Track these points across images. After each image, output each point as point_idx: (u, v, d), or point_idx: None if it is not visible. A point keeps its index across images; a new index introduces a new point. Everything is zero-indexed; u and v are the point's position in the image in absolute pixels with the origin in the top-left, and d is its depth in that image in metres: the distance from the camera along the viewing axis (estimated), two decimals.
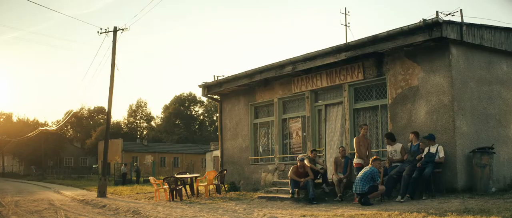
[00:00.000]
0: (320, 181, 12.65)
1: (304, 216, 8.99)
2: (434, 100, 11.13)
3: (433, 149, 10.58)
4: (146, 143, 65.22)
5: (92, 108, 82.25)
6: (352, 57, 12.52)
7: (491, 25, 11.80)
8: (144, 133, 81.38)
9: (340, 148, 12.67)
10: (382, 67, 12.35)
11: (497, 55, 12.09)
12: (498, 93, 11.90)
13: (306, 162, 12.47)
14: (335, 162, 12.52)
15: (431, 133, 10.75)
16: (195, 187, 15.96)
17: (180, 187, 15.03)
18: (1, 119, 74.66)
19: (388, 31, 11.46)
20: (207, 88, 18.10)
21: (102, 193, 18.97)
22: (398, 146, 11.32)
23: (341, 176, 12.10)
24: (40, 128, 50.52)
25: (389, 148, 11.48)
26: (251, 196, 14.11)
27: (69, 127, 77.21)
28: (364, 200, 10.23)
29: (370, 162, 10.74)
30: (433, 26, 10.50)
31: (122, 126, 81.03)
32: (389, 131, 11.90)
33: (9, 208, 14.62)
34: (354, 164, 11.81)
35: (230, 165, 17.55)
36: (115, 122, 77.50)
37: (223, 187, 16.12)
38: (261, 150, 16.73)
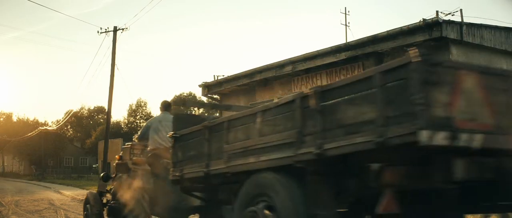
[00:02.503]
0: None
1: None
2: None
3: None
4: None
5: (92, 108, 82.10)
6: (352, 57, 12.52)
7: (491, 25, 11.82)
8: None
9: None
10: None
11: (497, 55, 12.09)
12: None
13: None
14: None
15: None
16: None
17: None
18: (1, 119, 74.59)
19: (388, 31, 11.47)
20: (207, 88, 18.09)
21: None
22: None
23: None
24: (40, 128, 50.53)
25: None
26: None
27: (69, 127, 77.07)
28: None
29: None
30: (433, 26, 10.51)
31: (122, 126, 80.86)
32: None
33: (9, 207, 14.61)
34: None
35: None
36: (115, 121, 77.31)
37: None
38: None
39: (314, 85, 14.21)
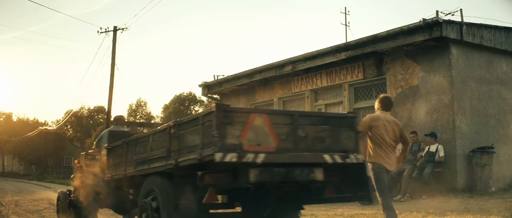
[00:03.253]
0: None
1: (304, 216, 8.99)
2: (434, 100, 11.13)
3: (433, 148, 10.59)
4: None
5: (92, 107, 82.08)
6: (352, 56, 12.52)
7: (491, 25, 11.82)
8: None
9: None
10: (382, 67, 12.35)
11: (497, 55, 12.09)
12: (498, 93, 11.90)
13: None
14: None
15: (433, 131, 10.78)
16: None
17: None
18: (1, 119, 74.57)
19: (388, 30, 11.47)
20: (207, 87, 18.08)
21: None
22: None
23: None
24: (40, 128, 50.52)
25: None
26: None
27: (69, 127, 77.05)
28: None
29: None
30: (433, 25, 10.50)
31: None
32: None
33: (9, 207, 14.59)
34: None
35: None
36: None
37: None
38: None
39: (314, 85, 14.25)
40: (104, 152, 7.98)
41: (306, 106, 14.57)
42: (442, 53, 11.05)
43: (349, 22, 30.87)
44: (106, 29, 22.54)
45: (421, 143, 10.92)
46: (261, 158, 4.65)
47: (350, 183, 5.58)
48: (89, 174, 8.26)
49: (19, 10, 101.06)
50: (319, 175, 5.20)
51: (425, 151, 10.67)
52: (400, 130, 6.16)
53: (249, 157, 4.59)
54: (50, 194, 22.75)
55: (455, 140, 10.69)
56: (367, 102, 12.92)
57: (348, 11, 29.16)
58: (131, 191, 6.93)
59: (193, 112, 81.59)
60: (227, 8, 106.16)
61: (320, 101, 14.44)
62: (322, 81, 14.03)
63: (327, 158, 5.09)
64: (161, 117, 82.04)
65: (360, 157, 5.45)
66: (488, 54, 11.85)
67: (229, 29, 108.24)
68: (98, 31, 22.79)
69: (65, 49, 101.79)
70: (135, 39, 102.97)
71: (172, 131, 5.27)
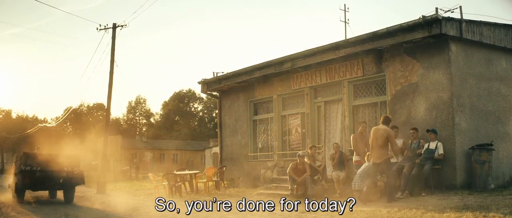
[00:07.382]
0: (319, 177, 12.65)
1: (303, 213, 9.00)
2: (434, 97, 11.13)
3: (432, 145, 10.58)
4: (146, 140, 65.18)
5: (91, 104, 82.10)
6: (351, 53, 12.51)
7: (490, 22, 11.80)
8: (144, 129, 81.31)
9: (334, 144, 12.68)
10: (382, 64, 12.35)
11: (497, 52, 12.09)
12: (497, 90, 11.90)
13: (306, 159, 12.45)
14: (331, 158, 12.52)
15: (434, 128, 10.78)
16: (194, 184, 15.96)
17: (180, 183, 15.03)
18: (0, 115, 74.53)
19: (387, 27, 11.45)
20: (207, 85, 18.08)
21: (101, 189, 18.97)
22: (399, 141, 11.27)
23: (340, 173, 12.08)
24: (39, 125, 50.43)
25: None
26: (250, 193, 14.11)
27: (68, 123, 77.08)
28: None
29: (366, 159, 10.72)
30: (433, 22, 10.49)
31: (121, 123, 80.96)
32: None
33: (9, 204, 14.62)
34: (353, 162, 11.79)
35: (229, 161, 17.55)
36: (114, 118, 77.43)
37: (223, 184, 16.12)
38: (260, 146, 16.72)
39: (313, 82, 14.40)
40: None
41: (306, 103, 14.57)
42: (441, 50, 11.05)
43: (348, 19, 30.76)
44: (105, 26, 22.44)
45: (421, 140, 10.92)
46: (38, 169, 14.33)
47: (79, 180, 14.95)
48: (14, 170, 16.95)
49: (18, 7, 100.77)
50: (64, 176, 14.50)
51: (424, 148, 10.67)
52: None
53: (33, 168, 14.30)
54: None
55: (454, 137, 10.70)
56: (366, 99, 12.92)
57: (348, 8, 29.08)
58: (20, 177, 14.67)
59: (192, 109, 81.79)
60: (227, 6, 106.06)
61: (319, 98, 14.43)
62: (321, 78, 14.02)
63: (65, 169, 14.60)
64: (160, 113, 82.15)
65: (82, 171, 15.42)
66: (487, 51, 11.85)
67: (229, 27, 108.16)
68: (97, 28, 22.66)
69: (64, 46, 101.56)
70: (135, 36, 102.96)
71: (21, 158, 14.99)
